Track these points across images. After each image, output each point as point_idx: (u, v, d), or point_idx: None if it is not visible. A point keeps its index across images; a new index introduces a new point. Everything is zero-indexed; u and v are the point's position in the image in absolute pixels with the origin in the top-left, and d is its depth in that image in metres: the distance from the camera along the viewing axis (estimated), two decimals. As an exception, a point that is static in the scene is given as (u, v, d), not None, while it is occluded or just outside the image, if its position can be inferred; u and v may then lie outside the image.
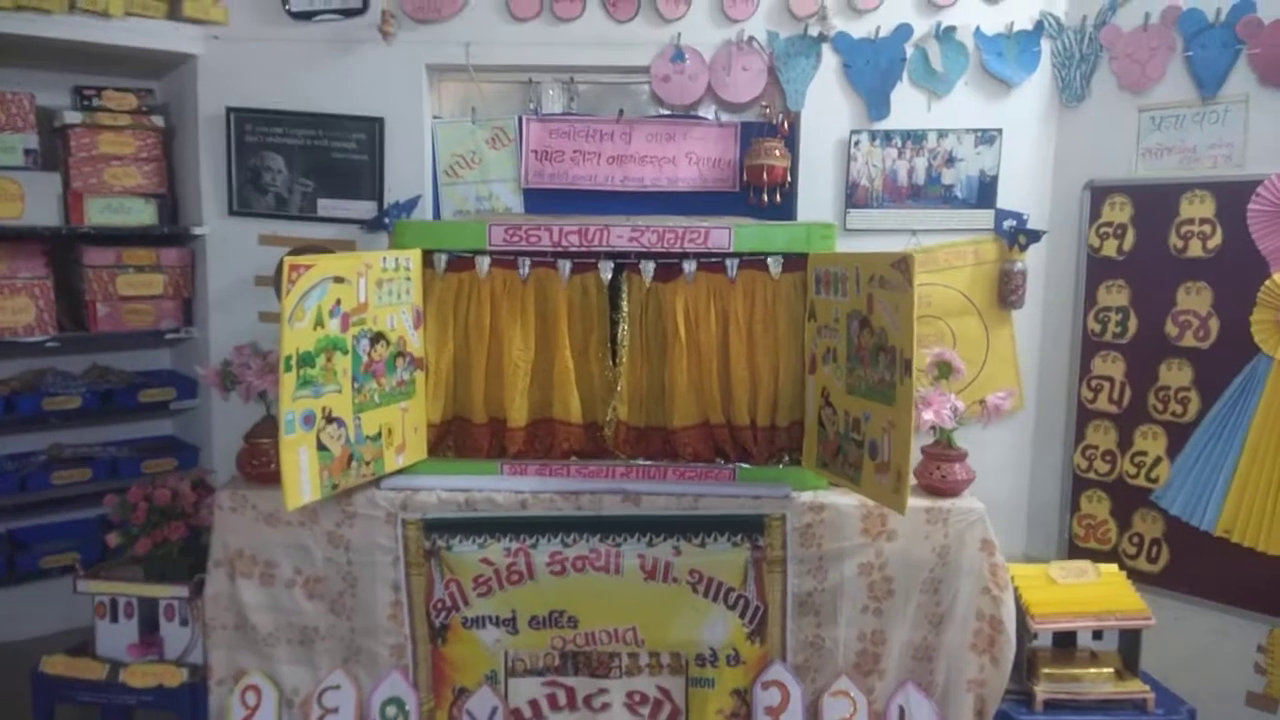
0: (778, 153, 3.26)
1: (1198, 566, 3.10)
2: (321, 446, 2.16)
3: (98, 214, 3.20)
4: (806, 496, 2.43)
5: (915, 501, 2.34)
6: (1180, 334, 3.09)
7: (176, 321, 3.38)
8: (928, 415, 2.45)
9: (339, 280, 2.17)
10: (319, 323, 2.12)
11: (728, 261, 2.46)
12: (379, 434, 2.33)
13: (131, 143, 3.26)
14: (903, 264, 1.99)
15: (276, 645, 2.47)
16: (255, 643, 2.46)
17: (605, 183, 3.41)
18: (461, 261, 2.50)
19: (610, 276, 2.48)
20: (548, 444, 2.56)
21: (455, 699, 2.47)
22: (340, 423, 2.21)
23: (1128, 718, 2.53)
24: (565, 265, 2.48)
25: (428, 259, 2.49)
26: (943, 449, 2.51)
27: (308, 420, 2.11)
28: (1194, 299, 3.06)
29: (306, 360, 2.09)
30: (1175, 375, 3.12)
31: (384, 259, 2.32)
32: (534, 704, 2.48)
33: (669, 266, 2.48)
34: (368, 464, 2.31)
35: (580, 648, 2.46)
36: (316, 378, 2.12)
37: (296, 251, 2.87)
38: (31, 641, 3.00)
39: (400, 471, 2.44)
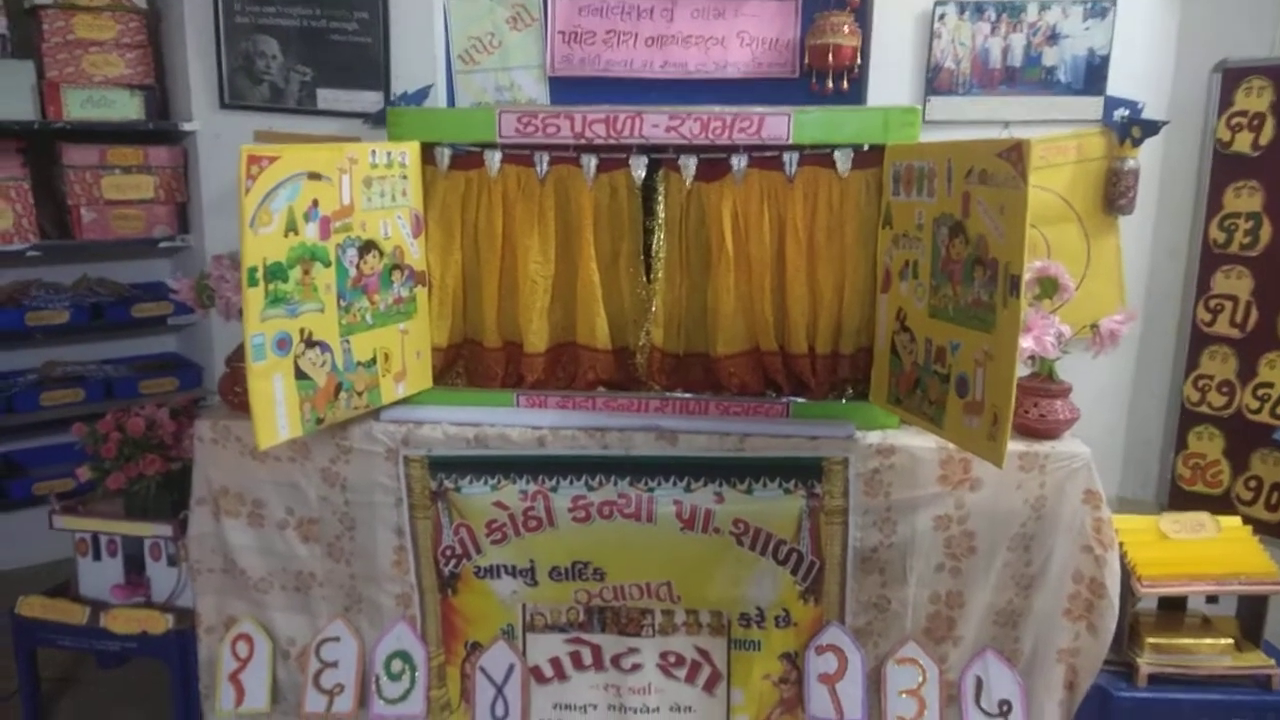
0: (846, 29, 2.80)
1: (1328, 517, 2.70)
2: (301, 374, 1.85)
3: (77, 108, 2.88)
4: (874, 437, 2.07)
5: (1009, 446, 1.97)
6: (1326, 245, 2.62)
7: (170, 228, 3.09)
8: (1026, 343, 2.03)
9: (315, 177, 1.82)
10: (291, 227, 1.78)
11: (786, 156, 2.06)
12: (373, 359, 2.02)
13: (112, 26, 2.91)
14: (1014, 153, 1.56)
15: (269, 591, 2.23)
16: (246, 588, 2.22)
17: (643, 69, 2.99)
18: (468, 157, 2.13)
19: (644, 175, 2.10)
20: (571, 373, 2.24)
21: (468, 654, 2.22)
22: (324, 347, 1.89)
23: (1249, 695, 2.19)
24: (590, 161, 2.10)
25: (428, 154, 2.12)
26: (1042, 382, 2.12)
27: (282, 344, 1.80)
28: (1347, 202, 2.57)
29: (277, 273, 1.76)
30: (1315, 294, 2.66)
31: (372, 152, 1.96)
32: (555, 662, 2.21)
33: (714, 163, 2.08)
34: (360, 394, 2.00)
35: (608, 603, 2.17)
36: (291, 294, 1.80)
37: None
38: (26, 571, 2.84)
39: (401, 402, 2.14)
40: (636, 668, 2.21)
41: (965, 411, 1.78)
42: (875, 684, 2.15)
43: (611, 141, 2.06)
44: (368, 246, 1.97)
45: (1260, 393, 2.81)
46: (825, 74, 2.83)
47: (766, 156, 2.07)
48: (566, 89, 3.01)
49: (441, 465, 2.12)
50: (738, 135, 2.04)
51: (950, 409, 1.82)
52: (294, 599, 2.24)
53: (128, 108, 2.97)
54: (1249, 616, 2.27)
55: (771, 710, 2.19)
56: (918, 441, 2.06)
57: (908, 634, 2.15)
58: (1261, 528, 2.64)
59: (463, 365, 2.29)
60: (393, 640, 2.22)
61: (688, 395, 2.18)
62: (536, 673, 2.21)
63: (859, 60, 2.84)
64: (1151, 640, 2.23)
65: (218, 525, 2.19)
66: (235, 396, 2.17)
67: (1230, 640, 2.25)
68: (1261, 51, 2.72)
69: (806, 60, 2.88)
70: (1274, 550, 2.29)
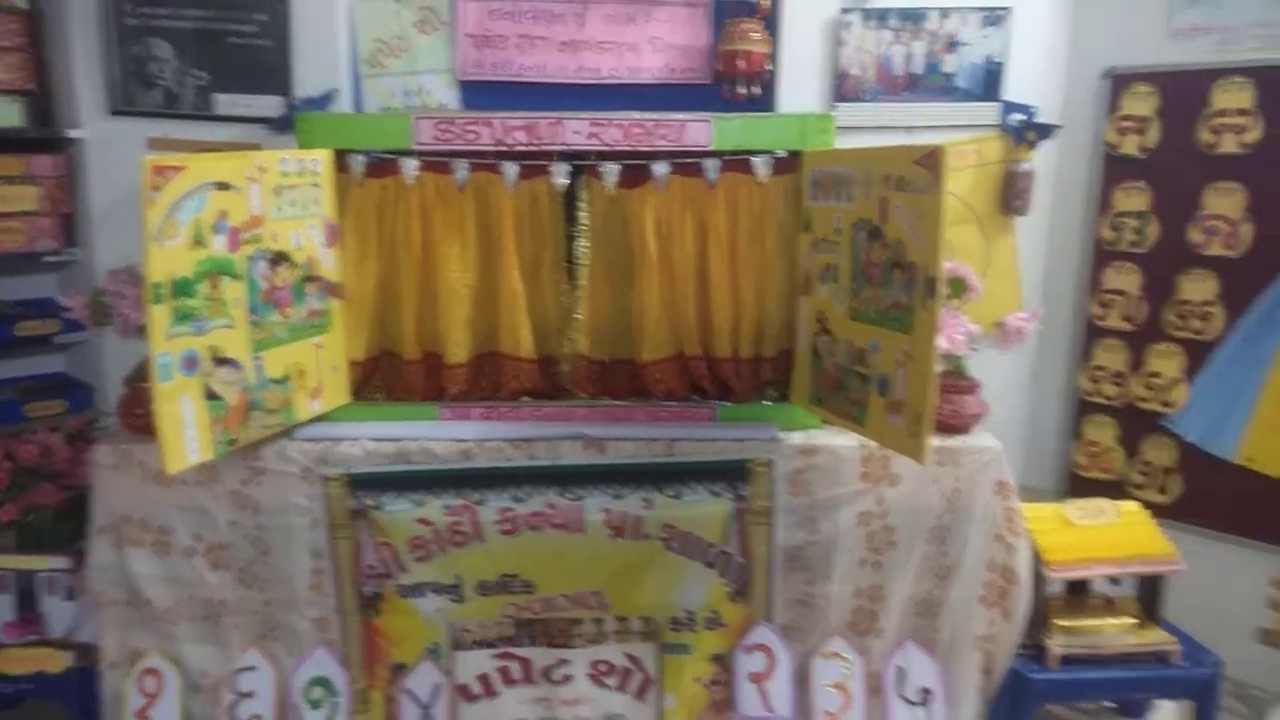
0: (756, 36, 2.81)
1: (1211, 497, 2.86)
2: (211, 394, 1.76)
3: (-50, 113, 2.67)
4: (797, 438, 2.11)
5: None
6: (1206, 241, 2.77)
7: (56, 242, 2.87)
8: (939, 342, 2.10)
9: (223, 187, 1.74)
10: (198, 240, 1.70)
11: (706, 163, 2.06)
12: (286, 376, 1.94)
13: (-14, 26, 2.70)
14: (931, 159, 1.61)
15: (178, 622, 2.12)
16: (152, 620, 2.11)
17: (556, 74, 2.94)
18: (383, 164, 2.07)
19: (566, 182, 2.07)
20: (494, 383, 2.20)
21: (392, 676, 2.15)
22: (234, 364, 1.81)
23: (1150, 671, 2.30)
24: (511, 169, 2.06)
25: (341, 161, 2.05)
26: (954, 379, 2.19)
27: (190, 363, 1.71)
28: (1225, 202, 2.73)
29: (183, 288, 1.68)
30: (1198, 288, 2.82)
31: (282, 160, 1.88)
32: (484, 679, 2.16)
33: (636, 169, 2.08)
34: (274, 413, 1.92)
35: (537, 615, 2.14)
36: (198, 310, 1.72)
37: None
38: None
39: (317, 419, 2.06)
40: (567, 679, 2.18)
41: (887, 410, 1.82)
42: (803, 680, 2.18)
43: (533, 148, 2.03)
44: (279, 258, 1.89)
45: (1149, 382, 2.96)
46: (737, 80, 2.85)
47: (688, 163, 2.08)
48: (478, 94, 2.93)
49: (362, 483, 2.05)
50: (659, 142, 2.04)
51: (872, 408, 1.86)
52: (204, 629, 2.13)
53: (8, 114, 2.76)
54: (1148, 595, 2.39)
55: (702, 712, 2.19)
56: (839, 441, 2.10)
57: (833, 629, 2.18)
58: (1154, 510, 2.79)
59: (381, 379, 2.23)
60: (312, 667, 2.14)
61: (615, 402, 2.17)
62: (464, 691, 2.16)
63: (769, 67, 2.87)
64: (1060, 623, 2.32)
65: (120, 555, 2.07)
66: (136, 419, 2.05)
67: (1132, 619, 2.37)
68: (1147, 59, 2.85)
69: (719, 66, 2.89)
70: (1166, 530, 2.42)
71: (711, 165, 2.07)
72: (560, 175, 2.06)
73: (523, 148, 2.03)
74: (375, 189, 2.09)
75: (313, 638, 2.13)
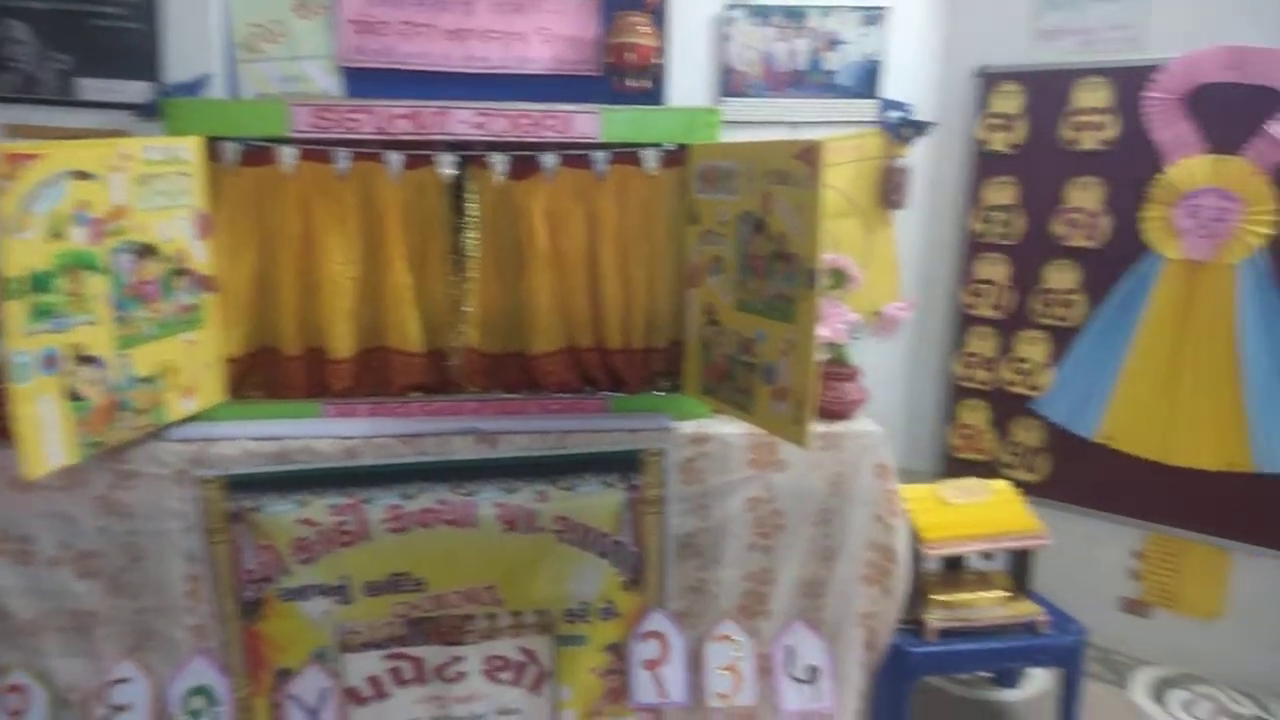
0: (644, 29, 2.84)
1: (1076, 475, 3.04)
2: (74, 395, 1.66)
3: None
4: (688, 427, 2.13)
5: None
6: (1069, 233, 2.94)
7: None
8: (821, 331, 2.16)
9: (82, 176, 1.64)
10: (56, 233, 1.60)
11: (595, 155, 2.06)
12: (156, 374, 1.85)
13: None
14: (809, 154, 1.65)
15: (43, 635, 1.99)
16: (14, 634, 1.98)
17: (443, 62, 2.90)
18: (259, 153, 1.99)
19: (453, 173, 2.04)
20: (381, 378, 2.14)
21: (277, 683, 2.08)
22: (99, 363, 1.71)
23: (1020, 641, 2.44)
24: (395, 159, 2.01)
25: (213, 150, 1.96)
26: (836, 367, 2.26)
27: (49, 362, 1.61)
28: (1085, 195, 2.90)
29: (41, 283, 1.58)
30: (1061, 277, 2.99)
31: (147, 148, 1.79)
32: (374, 680, 2.12)
33: (525, 161, 2.06)
34: (143, 413, 1.83)
35: (429, 613, 2.11)
36: (58, 306, 1.62)
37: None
38: None
39: (191, 419, 1.97)
40: (461, 676, 2.15)
41: (773, 398, 1.86)
42: (696, 664, 2.21)
43: (418, 137, 1.99)
44: (146, 251, 1.80)
45: (1018, 367, 3.13)
46: (627, 73, 2.86)
47: (577, 155, 2.07)
48: (361, 81, 2.86)
49: (240, 485, 1.97)
50: (547, 133, 2.02)
51: (759, 396, 1.90)
52: (73, 641, 2.01)
53: None
54: (1018, 569, 2.52)
55: (598, 702, 2.20)
56: (729, 429, 2.13)
57: (724, 612, 2.22)
58: (1023, 488, 2.95)
59: (260, 376, 2.14)
60: (191, 676, 2.04)
61: (506, 396, 2.15)
62: (354, 694, 2.11)
63: (658, 60, 2.90)
64: (937, 598, 2.44)
65: (-24, 567, 1.94)
66: (-9, 421, 1.92)
67: (1004, 592, 2.50)
68: (1014, 59, 3.00)
69: (608, 59, 2.90)
70: (1035, 507, 2.56)
71: (600, 157, 2.07)
72: (446, 165, 2.02)
73: (407, 137, 1.98)
74: (250, 178, 2.01)
75: (191, 646, 2.03)
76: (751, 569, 2.21)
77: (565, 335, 2.18)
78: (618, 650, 2.19)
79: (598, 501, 2.11)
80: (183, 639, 2.03)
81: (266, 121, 1.96)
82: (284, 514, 1.99)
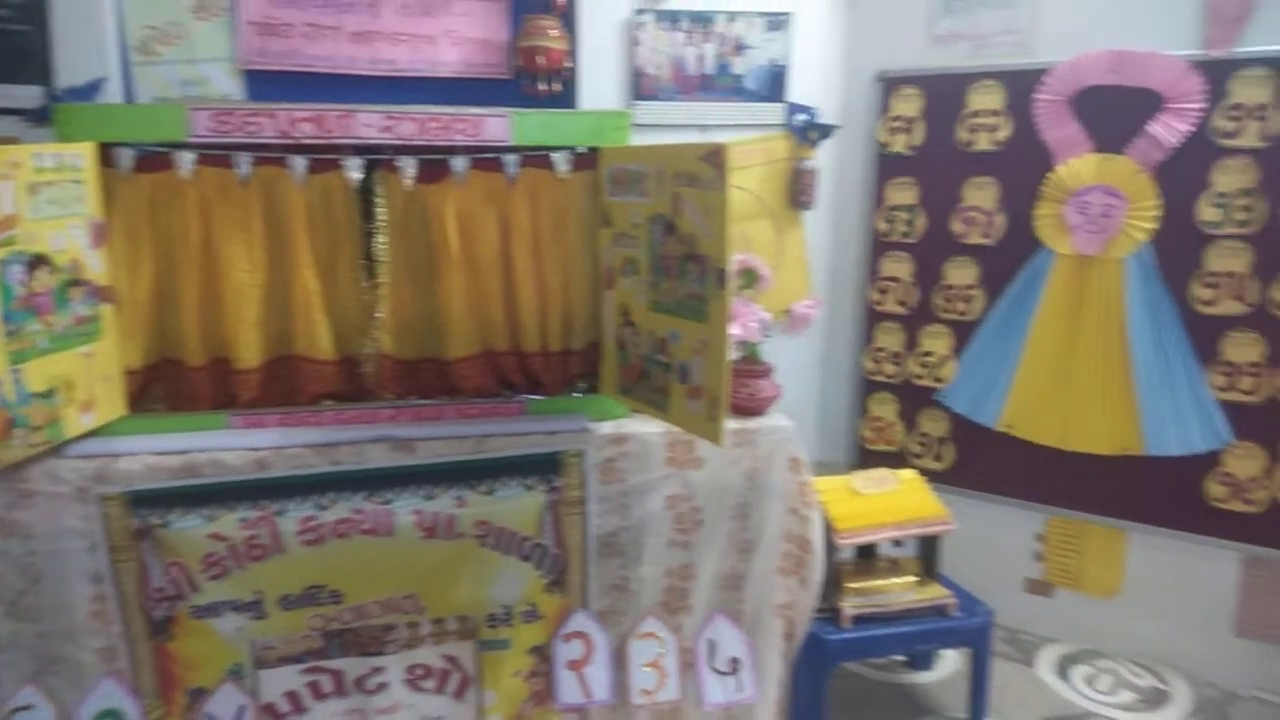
0: (554, 33, 2.84)
1: (981, 462, 3.17)
2: (-38, 413, 1.59)
3: None
4: (607, 428, 2.15)
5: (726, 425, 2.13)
6: (966, 231, 3.06)
7: None
8: (734, 329, 2.22)
9: (-35, 184, 1.57)
10: (-63, 243, 1.53)
11: (506, 158, 2.06)
12: (52, 389, 1.78)
13: None
14: (715, 157, 1.69)
15: (-66, 667, 1.89)
16: (-97, 667, 1.88)
17: (349, 65, 2.85)
18: (156, 159, 1.93)
19: (360, 177, 2.01)
20: (291, 387, 2.10)
21: (191, 702, 2.02)
22: (-11, 379, 1.64)
23: (930, 624, 2.53)
24: (299, 163, 1.98)
25: (108, 156, 1.90)
26: (749, 365, 2.31)
27: (-67, 379, 1.54)
28: (981, 195, 3.02)
29: (-79, 296, 1.50)
30: (961, 274, 3.11)
31: (37, 156, 1.72)
32: (292, 696, 2.08)
33: (435, 165, 2.04)
34: (39, 429, 1.76)
35: (347, 625, 2.07)
36: (-58, 320, 1.54)
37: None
38: None
39: (90, 434, 1.90)
40: (382, 687, 2.12)
41: (688, 397, 1.89)
42: (620, 662, 2.23)
43: (322, 141, 1.96)
44: (38, 261, 1.73)
45: (923, 360, 3.24)
46: (538, 76, 2.87)
47: (487, 158, 2.07)
48: (264, 85, 2.79)
49: (145, 501, 1.91)
50: (456, 136, 2.01)
51: (674, 396, 1.93)
52: (-32, 671, 1.92)
53: None
54: (927, 554, 2.62)
55: (523, 705, 2.20)
56: (647, 428, 2.16)
57: (646, 610, 2.24)
58: (931, 477, 3.06)
59: (163, 388, 2.07)
60: (99, 700, 1.97)
61: (422, 402, 2.13)
62: (271, 710, 2.06)
63: (568, 64, 2.91)
64: (851, 585, 2.52)
65: None
66: None
67: (914, 577, 2.59)
68: (912, 63, 3.11)
69: (518, 62, 2.89)
70: (942, 495, 2.66)
71: (511, 160, 2.07)
72: (353, 170, 2.00)
73: (311, 141, 1.95)
74: (147, 185, 1.95)
75: (98, 669, 1.96)
76: (672, 565, 2.24)
77: (481, 339, 2.17)
78: (541, 652, 2.19)
79: (518, 505, 2.11)
80: (89, 662, 1.95)
81: (163, 126, 1.90)
82: (192, 529, 1.94)
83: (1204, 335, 2.77)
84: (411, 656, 2.13)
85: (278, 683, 2.06)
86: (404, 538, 2.03)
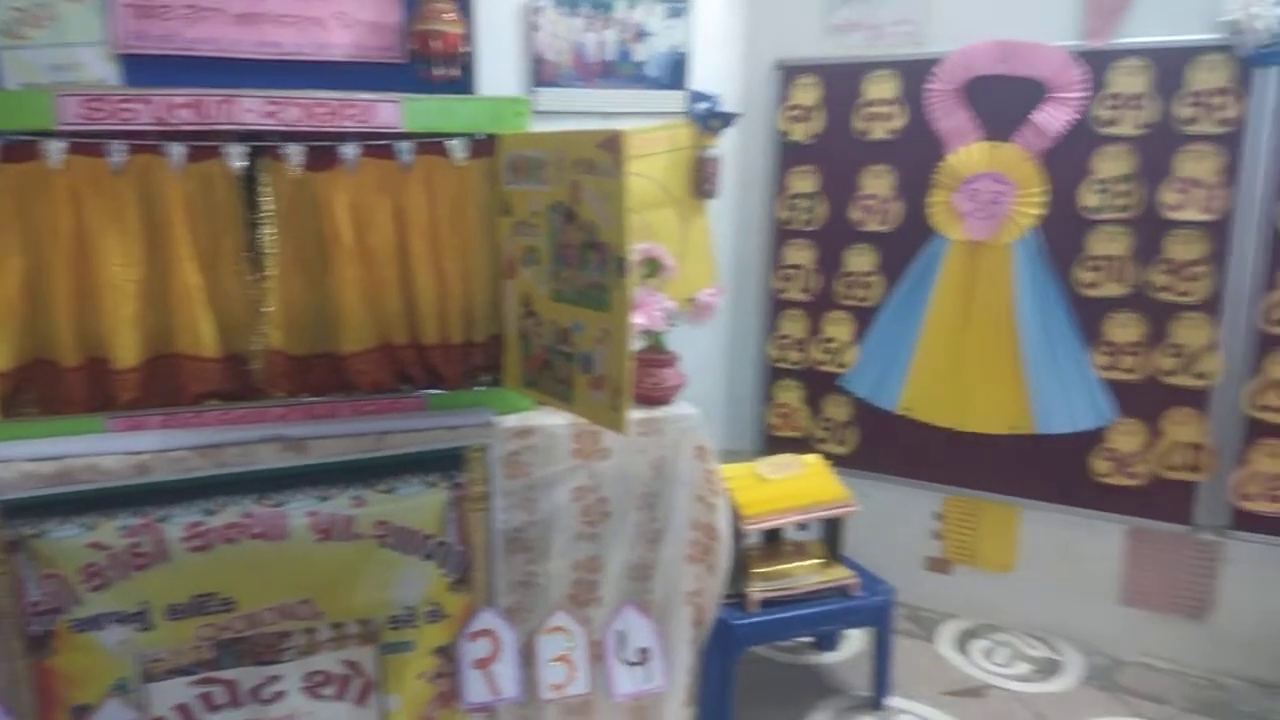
0: (449, 17, 2.77)
1: (882, 445, 3.25)
2: None
3: None
4: (512, 421, 2.12)
5: (631, 414, 2.12)
6: (864, 218, 3.12)
7: None
8: (638, 319, 2.21)
9: None
10: None
11: (399, 145, 2.00)
12: (-96, 394, 1.65)
13: None
14: (611, 144, 1.67)
15: None
16: None
17: (233, 48, 2.72)
18: (21, 148, 1.80)
19: (244, 165, 1.92)
20: (173, 387, 1.99)
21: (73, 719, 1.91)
22: None
23: (834, 604, 2.58)
24: (177, 150, 1.88)
25: (-35, 144, 1.77)
26: (654, 354, 2.30)
27: None
28: (877, 182, 3.08)
29: None
30: (860, 260, 3.17)
31: (-121, 141, 1.59)
32: (183, 709, 1.98)
33: (324, 152, 1.96)
34: (-111, 438, 1.63)
35: (240, 633, 1.99)
36: None
37: None
38: None
39: (-49, 442, 1.77)
40: (279, 696, 2.05)
41: (591, 387, 1.88)
42: (528, 658, 2.21)
43: (202, 128, 1.86)
44: (-117, 256, 1.60)
45: (826, 347, 3.30)
46: (433, 61, 2.79)
47: (380, 145, 2.00)
48: (142, 69, 2.63)
49: (17, 510, 1.79)
50: (345, 122, 1.94)
51: (578, 386, 1.91)
52: None
53: None
54: (830, 537, 2.67)
55: (428, 707, 2.15)
56: (552, 420, 2.13)
57: (555, 604, 2.22)
58: (836, 460, 3.12)
59: (35, 391, 1.94)
60: (-30, 724, 1.86)
61: (316, 399, 2.05)
62: (162, 724, 1.98)
63: (465, 48, 2.84)
64: (758, 570, 2.55)
65: None
66: None
67: (818, 560, 2.64)
68: (810, 52, 3.15)
69: (413, 46, 2.81)
70: (846, 478, 2.72)
71: (405, 148, 2.01)
72: (236, 158, 1.90)
73: (190, 127, 1.85)
74: (13, 176, 1.82)
75: (-33, 692, 1.84)
76: (580, 558, 2.23)
77: (378, 333, 2.10)
78: (446, 653, 2.15)
79: (420, 503, 2.06)
80: (-43, 685, 1.83)
81: (29, 114, 1.78)
82: (70, 539, 1.83)
83: (1088, 317, 2.89)
84: (309, 663, 2.06)
85: (167, 696, 1.97)
86: (298, 541, 1.96)
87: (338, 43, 2.80)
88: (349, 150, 1.96)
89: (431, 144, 2.02)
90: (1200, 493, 2.84)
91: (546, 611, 2.22)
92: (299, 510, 1.96)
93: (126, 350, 1.92)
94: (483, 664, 2.16)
